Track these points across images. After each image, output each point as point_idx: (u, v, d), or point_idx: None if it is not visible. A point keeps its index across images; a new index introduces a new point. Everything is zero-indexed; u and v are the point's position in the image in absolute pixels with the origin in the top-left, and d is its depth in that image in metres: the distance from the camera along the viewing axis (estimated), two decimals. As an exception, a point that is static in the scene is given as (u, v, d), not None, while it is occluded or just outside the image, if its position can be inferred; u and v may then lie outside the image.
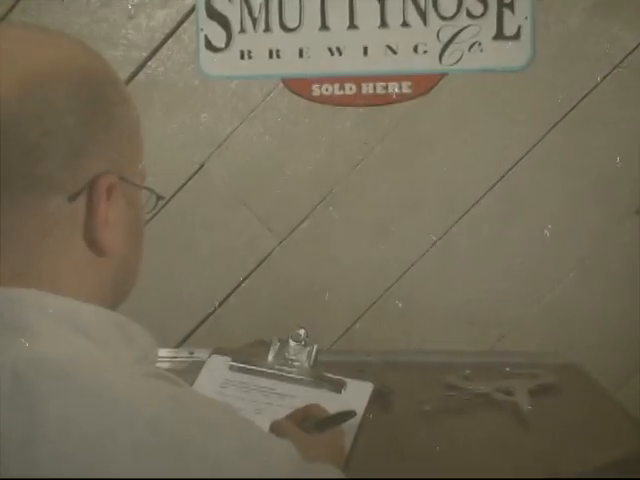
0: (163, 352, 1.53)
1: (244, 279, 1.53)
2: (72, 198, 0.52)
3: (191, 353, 1.54)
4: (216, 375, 0.97)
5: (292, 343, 0.97)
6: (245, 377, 0.96)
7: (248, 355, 0.99)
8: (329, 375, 0.95)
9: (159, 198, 0.61)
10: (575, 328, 1.50)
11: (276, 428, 0.72)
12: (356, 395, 0.93)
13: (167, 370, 1.48)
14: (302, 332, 0.97)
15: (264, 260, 1.53)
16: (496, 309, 1.51)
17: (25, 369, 0.45)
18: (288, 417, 0.75)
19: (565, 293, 1.50)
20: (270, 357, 0.97)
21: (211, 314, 1.55)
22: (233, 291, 1.54)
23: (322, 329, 1.52)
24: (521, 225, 1.49)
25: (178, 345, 1.56)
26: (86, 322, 0.51)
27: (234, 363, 0.97)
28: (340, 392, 0.93)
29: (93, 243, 0.53)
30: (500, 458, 1.00)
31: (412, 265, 1.51)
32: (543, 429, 1.09)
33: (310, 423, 0.70)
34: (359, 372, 1.18)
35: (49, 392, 0.45)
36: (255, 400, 0.93)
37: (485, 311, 1.51)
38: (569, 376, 1.37)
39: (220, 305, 1.54)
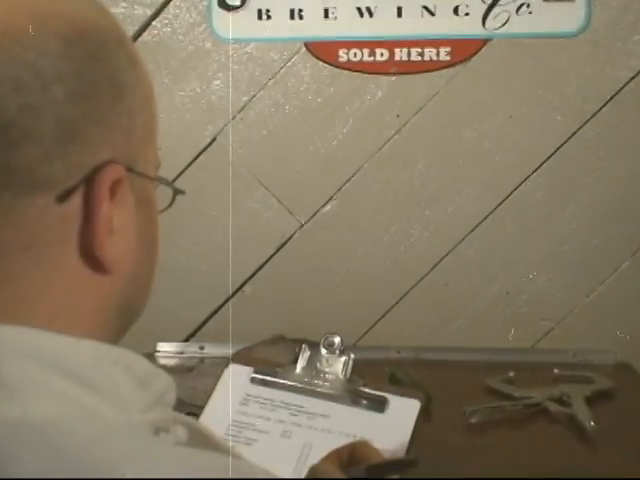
0: (170, 347, 1.42)
1: (261, 267, 1.41)
2: (63, 198, 0.40)
3: (201, 348, 1.43)
4: (235, 389, 0.85)
5: (324, 352, 0.85)
6: (269, 392, 0.84)
7: (272, 366, 0.87)
8: (368, 390, 0.83)
9: (177, 192, 0.48)
10: (628, 324, 1.38)
11: (318, 475, 0.60)
12: (401, 414, 0.81)
13: (175, 367, 1.35)
14: (337, 340, 0.85)
15: (283, 246, 1.40)
16: (541, 302, 1.39)
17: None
18: (329, 458, 0.62)
19: (618, 285, 1.38)
20: (298, 368, 0.85)
21: (224, 305, 1.43)
22: (248, 279, 1.42)
23: (347, 322, 1.40)
24: (571, 209, 1.36)
25: (187, 339, 1.44)
26: (81, 366, 0.39)
27: (257, 375, 0.85)
28: (382, 411, 0.81)
29: (91, 257, 0.41)
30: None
31: (448, 253, 1.39)
32: (608, 448, 0.97)
33: (360, 470, 0.58)
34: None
35: (25, 472, 0.33)
36: (282, 420, 0.81)
37: (528, 304, 1.39)
38: (625, 379, 1.26)
39: (234, 295, 1.42)
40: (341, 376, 0.84)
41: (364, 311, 1.41)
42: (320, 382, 0.84)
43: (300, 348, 1.21)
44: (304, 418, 0.81)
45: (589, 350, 1.36)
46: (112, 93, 0.41)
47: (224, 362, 1.25)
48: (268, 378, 0.85)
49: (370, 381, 1.20)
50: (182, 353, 1.43)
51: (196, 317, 1.44)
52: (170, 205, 0.50)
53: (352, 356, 0.84)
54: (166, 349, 1.43)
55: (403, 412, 0.81)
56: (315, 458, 0.77)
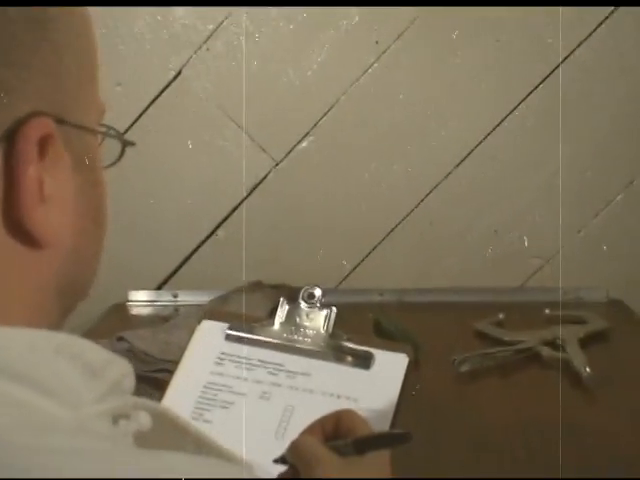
0: (143, 295, 1.36)
1: (234, 209, 1.35)
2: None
3: (175, 296, 1.37)
4: (209, 347, 0.79)
5: (304, 305, 0.79)
6: (246, 350, 0.79)
7: (248, 321, 0.81)
8: (352, 345, 0.78)
9: (126, 144, 0.41)
10: (620, 259, 1.34)
11: (299, 450, 0.54)
12: (388, 371, 0.76)
13: (148, 316, 1.29)
14: (317, 292, 0.79)
15: (257, 186, 1.34)
16: (531, 239, 1.34)
17: None
18: (312, 430, 0.57)
19: (611, 219, 1.33)
20: (276, 323, 0.79)
21: (196, 250, 1.37)
22: (221, 223, 1.36)
23: (327, 265, 1.35)
24: (563, 139, 1.30)
25: (159, 287, 1.38)
26: (15, 359, 0.33)
27: (232, 332, 0.80)
28: (368, 367, 0.76)
29: (20, 231, 0.35)
30: (556, 436, 0.84)
31: (432, 189, 1.33)
32: (604, 394, 0.94)
33: (346, 442, 0.52)
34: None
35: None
36: (260, 380, 0.76)
37: (518, 242, 1.34)
38: (618, 317, 1.23)
39: (206, 240, 1.36)
40: (323, 331, 0.78)
41: (345, 253, 1.36)
42: (300, 338, 0.78)
43: (278, 298, 1.16)
44: (284, 377, 0.76)
45: (580, 288, 1.32)
46: (31, 26, 0.34)
47: (199, 312, 1.21)
48: (244, 335, 0.79)
49: (353, 329, 1.16)
50: (155, 302, 1.38)
51: (168, 264, 1.38)
52: (119, 159, 0.43)
53: (334, 309, 0.79)
54: (138, 298, 1.38)
55: (390, 368, 0.76)
56: (297, 421, 0.72)
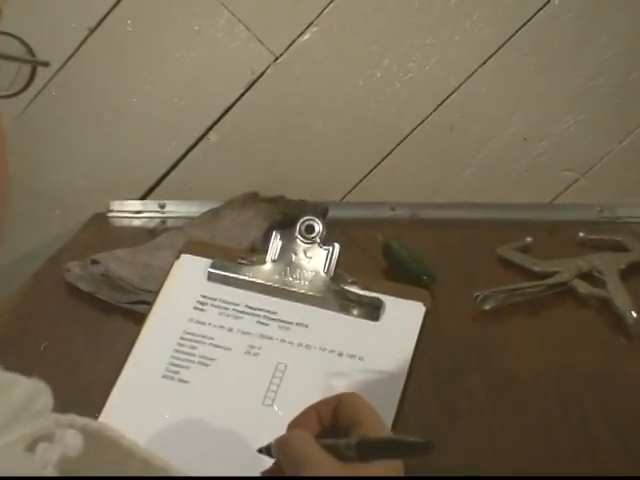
0: (126, 206, 1.24)
1: (227, 109, 1.22)
2: None
3: (162, 206, 1.26)
4: (188, 289, 0.68)
5: (300, 241, 0.68)
6: (232, 292, 0.68)
7: (236, 256, 0.69)
8: (359, 291, 0.67)
9: (36, 64, 0.29)
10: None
11: (288, 449, 0.43)
12: (401, 323, 0.65)
13: (132, 229, 1.17)
14: (317, 225, 0.68)
15: (254, 83, 1.20)
16: (564, 149, 1.21)
17: None
18: (304, 418, 0.46)
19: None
20: (268, 261, 0.68)
21: (185, 155, 1.24)
22: (213, 126, 1.23)
23: (332, 175, 1.23)
24: (605, 35, 1.15)
25: (144, 196, 1.27)
26: None
27: (215, 270, 0.68)
28: (377, 318, 0.65)
29: None
30: (594, 389, 0.73)
31: (454, 91, 1.19)
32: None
33: (348, 443, 0.41)
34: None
35: None
36: (247, 331, 0.65)
37: (549, 152, 1.21)
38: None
39: (197, 144, 1.23)
40: (323, 273, 0.67)
41: (352, 161, 1.23)
42: (296, 280, 0.67)
43: (275, 215, 1.04)
44: (276, 328, 0.65)
45: (619, 205, 1.20)
46: None
47: (186, 228, 1.09)
48: (229, 274, 0.68)
49: (359, 254, 1.05)
50: (140, 213, 1.26)
51: (154, 171, 1.26)
52: (28, 86, 0.31)
53: (337, 246, 0.67)
54: (121, 208, 1.26)
55: (404, 319, 0.65)
56: (291, 383, 0.62)
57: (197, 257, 0.70)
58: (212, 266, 0.68)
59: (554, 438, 0.65)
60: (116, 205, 1.26)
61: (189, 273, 0.69)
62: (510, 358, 0.77)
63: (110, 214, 1.25)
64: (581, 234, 1.08)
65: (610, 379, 0.74)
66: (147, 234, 1.17)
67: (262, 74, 1.19)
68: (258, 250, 0.95)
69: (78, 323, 0.87)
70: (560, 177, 1.22)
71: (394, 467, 0.41)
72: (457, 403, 0.69)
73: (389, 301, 0.66)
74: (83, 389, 0.71)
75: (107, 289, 0.92)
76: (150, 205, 1.26)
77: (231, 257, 0.70)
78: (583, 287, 0.91)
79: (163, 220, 1.24)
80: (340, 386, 0.61)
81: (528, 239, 1.06)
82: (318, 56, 1.18)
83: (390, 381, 0.62)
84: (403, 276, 0.96)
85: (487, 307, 0.87)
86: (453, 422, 0.67)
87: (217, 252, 0.71)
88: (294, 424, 0.46)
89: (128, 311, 0.88)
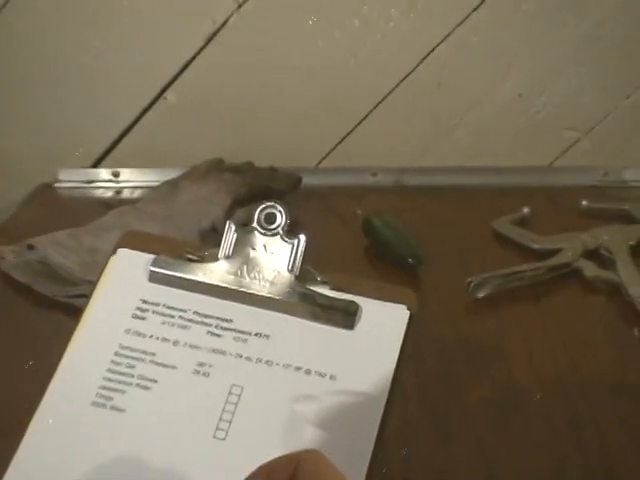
0: (75, 175, 1.14)
1: (187, 64, 1.10)
2: None
3: (115, 175, 1.15)
4: (125, 292, 0.58)
5: (259, 233, 0.57)
6: (177, 296, 0.57)
7: (183, 250, 0.59)
8: (330, 293, 0.57)
9: None
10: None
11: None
12: (380, 331, 0.55)
13: (83, 200, 1.04)
14: (280, 214, 0.57)
15: (215, 35, 1.09)
16: (565, 106, 1.11)
17: None
18: (256, 478, 0.37)
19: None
20: (221, 257, 0.58)
21: (140, 118, 1.13)
22: (171, 83, 1.11)
23: (306, 138, 1.12)
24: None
25: (96, 164, 1.16)
26: None
27: (157, 269, 0.58)
28: (352, 327, 0.55)
29: None
30: (606, 392, 0.64)
31: (442, 40, 1.09)
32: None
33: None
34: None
35: None
36: (196, 345, 0.55)
37: (548, 109, 1.11)
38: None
39: (152, 104, 1.12)
40: (287, 272, 0.57)
41: (328, 123, 1.13)
42: (255, 281, 0.57)
43: (240, 189, 0.94)
44: (230, 340, 0.55)
45: (625, 167, 1.10)
46: None
47: (144, 200, 0.99)
48: (175, 274, 0.58)
49: (337, 231, 0.94)
50: (91, 182, 1.16)
51: (106, 135, 1.15)
52: None
53: (303, 239, 0.57)
54: (70, 178, 1.15)
55: (383, 327, 0.55)
56: (248, 411, 0.53)
57: (137, 252, 0.60)
58: (154, 264, 0.58)
59: (564, 464, 0.56)
60: (64, 174, 1.15)
61: (127, 272, 0.59)
62: (509, 361, 0.68)
63: (57, 184, 1.15)
64: (584, 202, 0.99)
65: (625, 383, 0.65)
66: (100, 206, 1.07)
67: (224, 24, 1.08)
68: (220, 231, 0.85)
69: (8, 323, 0.77)
70: (560, 137, 1.12)
71: None
72: (450, 424, 0.60)
73: (366, 305, 0.56)
74: (2, 412, 0.61)
75: (45, 280, 0.82)
76: (102, 174, 1.15)
77: (178, 252, 0.59)
78: (590, 269, 0.81)
79: (118, 190, 1.14)
80: (307, 412, 0.52)
81: (525, 210, 0.97)
82: (288, 3, 1.06)
83: (368, 404, 0.52)
84: (386, 257, 0.86)
85: (481, 295, 0.77)
86: (445, 448, 0.57)
87: (161, 246, 0.60)
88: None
89: (69, 306, 0.78)
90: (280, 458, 0.37)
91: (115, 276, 0.59)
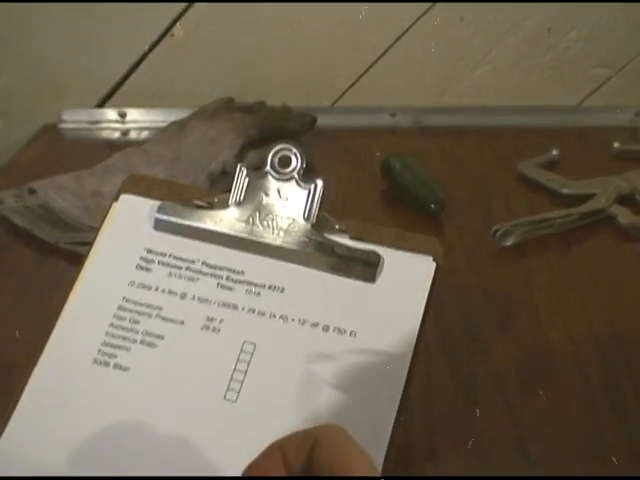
0: (80, 115, 1.10)
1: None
2: None
3: (122, 115, 1.11)
4: (129, 242, 0.54)
5: (273, 177, 0.53)
6: (185, 246, 0.53)
7: (192, 195, 0.55)
8: (349, 242, 0.53)
9: None
10: None
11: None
12: (405, 284, 0.51)
13: (89, 142, 1.00)
14: (294, 154, 0.53)
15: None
16: (595, 42, 1.05)
17: None
18: (264, 462, 0.33)
19: None
20: (232, 204, 0.54)
21: (147, 54, 1.08)
22: (178, 18, 1.06)
23: (321, 76, 1.07)
24: None
25: (102, 103, 1.11)
26: None
27: (163, 216, 0.54)
28: (373, 279, 0.51)
29: None
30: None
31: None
32: None
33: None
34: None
35: None
36: (205, 298, 0.52)
37: (578, 45, 1.05)
38: None
39: (159, 41, 1.07)
40: (303, 219, 0.53)
41: (344, 59, 1.07)
42: (268, 229, 0.53)
43: (253, 130, 0.89)
44: (242, 293, 0.52)
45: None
46: None
47: (150, 142, 0.95)
48: (183, 221, 0.54)
49: (354, 180, 0.90)
50: (97, 123, 1.11)
51: (112, 74, 1.10)
52: None
53: (320, 184, 0.53)
54: (75, 118, 1.11)
55: (408, 280, 0.52)
56: (261, 370, 0.49)
57: (141, 198, 0.56)
58: (160, 211, 0.54)
59: (600, 427, 0.52)
60: (69, 114, 1.11)
61: (130, 220, 0.55)
62: (538, 314, 0.64)
63: (62, 125, 1.11)
64: (616, 144, 0.94)
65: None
66: (106, 147, 1.03)
67: (234, -46, 1.02)
68: (231, 175, 0.81)
69: (8, 271, 0.73)
70: (591, 75, 1.06)
71: None
72: (476, 384, 0.56)
73: (389, 256, 0.52)
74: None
75: (47, 225, 0.78)
76: (108, 114, 1.11)
77: (185, 197, 0.55)
78: (625, 216, 0.77)
79: (124, 131, 1.10)
80: (325, 372, 0.48)
81: (554, 152, 0.92)
82: None
83: (391, 363, 0.49)
84: (406, 202, 0.82)
85: (508, 244, 0.73)
86: (471, 410, 0.54)
87: (168, 191, 0.56)
88: (250, 470, 0.33)
89: (71, 254, 0.74)
90: (296, 434, 0.33)
91: (117, 224, 0.55)
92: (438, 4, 1.03)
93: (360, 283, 0.51)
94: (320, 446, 0.32)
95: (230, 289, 0.52)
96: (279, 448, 0.33)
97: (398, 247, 0.52)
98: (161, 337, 0.50)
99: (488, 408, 0.53)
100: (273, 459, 0.33)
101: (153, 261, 0.53)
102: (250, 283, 0.52)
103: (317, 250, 0.52)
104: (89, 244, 0.67)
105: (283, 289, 0.52)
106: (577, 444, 0.51)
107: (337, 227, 0.53)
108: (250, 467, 0.33)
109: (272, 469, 0.33)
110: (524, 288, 0.67)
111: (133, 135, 1.09)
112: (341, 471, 0.32)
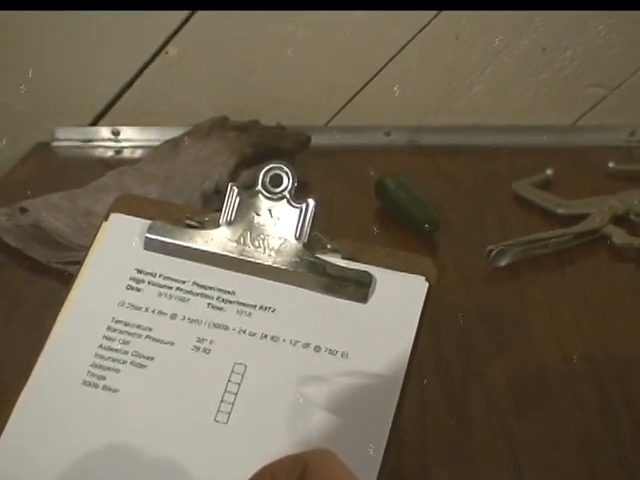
0: (73, 133, 1.10)
1: (188, 17, 1.05)
2: None
3: (115, 134, 1.11)
4: (119, 261, 0.54)
5: (264, 196, 0.53)
6: (175, 265, 0.53)
7: (182, 214, 0.55)
8: (341, 262, 0.53)
9: None
10: None
11: None
12: (397, 305, 0.51)
13: (81, 160, 1.00)
14: (285, 173, 0.53)
15: (219, -15, 1.03)
16: (590, 61, 1.05)
17: None
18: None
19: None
20: (223, 223, 0.54)
21: (141, 73, 1.09)
22: (173, 36, 1.06)
23: (314, 94, 1.08)
24: None
25: (95, 121, 1.11)
26: None
27: (154, 236, 0.54)
28: (365, 300, 0.51)
29: None
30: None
31: (460, -10, 1.02)
32: None
33: None
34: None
35: None
36: (195, 318, 0.52)
37: (573, 64, 1.06)
38: None
39: (153, 59, 1.07)
40: (294, 239, 0.53)
41: (340, 78, 1.08)
42: (259, 249, 0.53)
43: (246, 149, 0.89)
44: (233, 314, 0.51)
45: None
46: None
47: (144, 161, 0.95)
48: (173, 241, 0.54)
49: (349, 198, 0.90)
50: (90, 141, 1.11)
51: (105, 92, 1.10)
52: None
53: (312, 203, 0.53)
54: (68, 136, 1.11)
55: (400, 300, 0.51)
56: (252, 392, 0.49)
57: (131, 217, 0.56)
58: (150, 230, 0.54)
59: (594, 448, 0.52)
60: (62, 132, 1.11)
61: (120, 239, 0.55)
62: (533, 335, 0.64)
63: (55, 143, 1.11)
64: (611, 164, 0.94)
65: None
66: (99, 166, 1.03)
67: (229, -27, 1.02)
68: (224, 194, 0.81)
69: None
70: (585, 94, 1.07)
71: None
72: (470, 404, 0.56)
73: (381, 276, 0.52)
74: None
75: (39, 244, 0.78)
76: (102, 132, 1.11)
77: (176, 217, 0.55)
78: (619, 236, 0.77)
79: (118, 150, 1.10)
80: (317, 394, 0.48)
81: (549, 171, 0.92)
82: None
83: (383, 385, 0.49)
84: (400, 222, 0.82)
85: (503, 263, 0.73)
86: (466, 432, 0.53)
87: (158, 210, 0.56)
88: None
89: (63, 273, 0.74)
90: (287, 458, 0.33)
91: (107, 243, 0.55)
92: (434, 21, 1.03)
93: (352, 303, 0.51)
94: (310, 471, 0.32)
95: (221, 309, 0.52)
96: (270, 472, 0.33)
97: (391, 267, 0.52)
98: (151, 358, 0.50)
99: (482, 429, 0.53)
100: (261, 483, 0.33)
101: (143, 281, 0.53)
102: (241, 303, 0.52)
103: (309, 270, 0.52)
104: (75, 263, 0.67)
105: (274, 310, 0.51)
106: (571, 465, 0.50)
107: (329, 247, 0.53)
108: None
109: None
110: (518, 308, 0.67)
111: (126, 153, 1.09)
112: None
